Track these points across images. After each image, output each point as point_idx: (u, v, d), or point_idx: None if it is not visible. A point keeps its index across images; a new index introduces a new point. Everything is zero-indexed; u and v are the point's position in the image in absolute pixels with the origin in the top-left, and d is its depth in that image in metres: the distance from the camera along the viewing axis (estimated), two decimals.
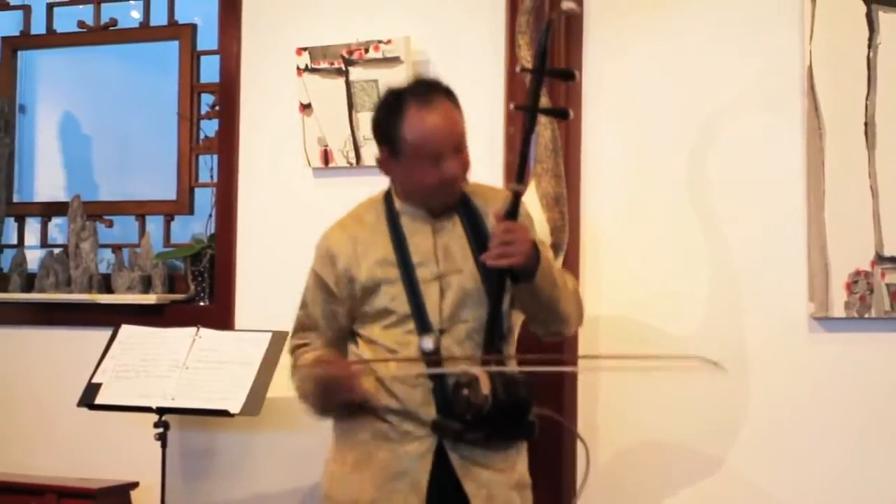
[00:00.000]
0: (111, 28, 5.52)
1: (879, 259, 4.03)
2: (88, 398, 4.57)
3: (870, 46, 4.08)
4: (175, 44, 5.37)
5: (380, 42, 4.60)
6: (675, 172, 4.32)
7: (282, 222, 4.84)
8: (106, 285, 5.24)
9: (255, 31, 5.02)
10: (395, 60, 4.51)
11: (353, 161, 4.68)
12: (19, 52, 5.74)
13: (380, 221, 3.21)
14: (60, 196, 5.63)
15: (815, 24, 4.12)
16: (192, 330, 4.64)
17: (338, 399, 3.12)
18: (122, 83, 5.77)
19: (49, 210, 5.60)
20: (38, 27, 5.67)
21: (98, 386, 4.58)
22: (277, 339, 4.38)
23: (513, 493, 3.16)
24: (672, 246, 4.31)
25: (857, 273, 4.05)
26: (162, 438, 4.47)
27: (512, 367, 3.14)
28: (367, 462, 3.13)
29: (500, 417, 3.01)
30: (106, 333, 4.77)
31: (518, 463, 3.20)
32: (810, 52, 4.12)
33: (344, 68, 4.68)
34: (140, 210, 5.42)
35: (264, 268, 4.86)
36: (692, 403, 4.24)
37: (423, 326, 3.09)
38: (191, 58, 5.32)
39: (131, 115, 5.72)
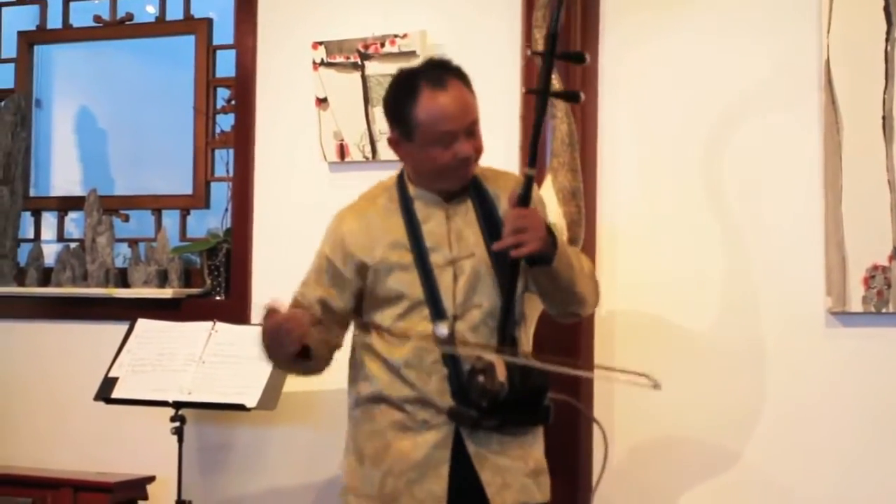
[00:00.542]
0: (127, 22, 5.53)
1: None
2: (105, 392, 4.58)
3: (887, 41, 4.06)
4: (191, 38, 5.38)
5: (396, 36, 4.60)
6: (692, 167, 4.32)
7: (298, 216, 4.84)
8: (122, 279, 5.25)
9: (270, 25, 5.02)
10: (411, 55, 4.50)
11: (370, 155, 4.69)
12: (36, 47, 5.75)
13: (393, 205, 3.19)
14: (77, 190, 5.64)
15: (833, 19, 4.11)
16: (208, 324, 4.66)
17: (282, 347, 3.03)
18: (138, 77, 5.77)
19: (65, 204, 5.62)
20: (54, 22, 5.67)
21: (114, 380, 4.59)
22: None
23: (528, 480, 3.15)
24: (688, 240, 4.30)
25: (875, 268, 4.04)
26: (178, 432, 4.48)
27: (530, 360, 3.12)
28: (386, 453, 3.12)
29: (516, 404, 3.00)
30: (122, 328, 4.79)
31: (534, 450, 3.19)
32: (828, 46, 4.11)
33: (360, 62, 4.68)
34: (156, 204, 5.43)
35: (280, 262, 4.86)
36: (708, 397, 4.23)
37: (438, 312, 3.07)
38: (207, 52, 5.33)
39: (147, 110, 5.72)
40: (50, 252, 5.51)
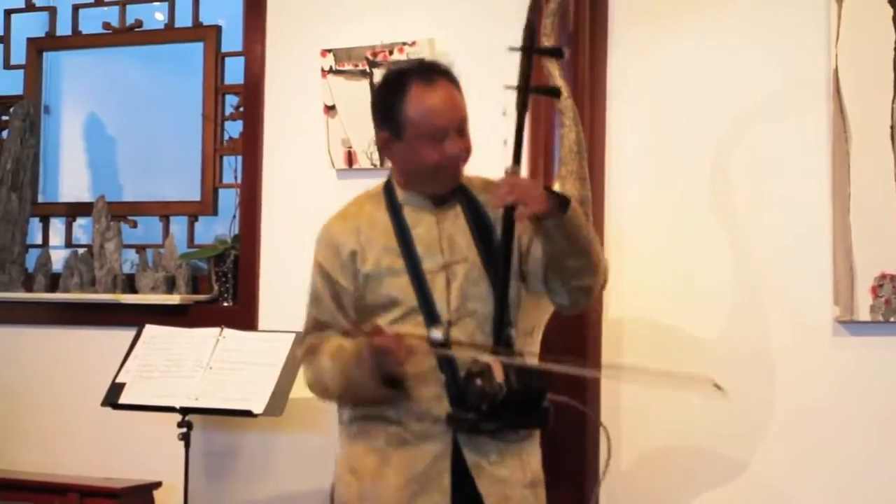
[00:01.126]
0: (136, 29, 5.55)
1: None
2: (112, 398, 4.59)
3: None
4: (199, 45, 5.39)
5: (404, 44, 4.61)
6: (700, 176, 4.32)
7: (305, 223, 4.76)
8: (130, 285, 5.26)
9: (279, 32, 5.03)
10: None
11: (377, 162, 4.69)
12: (45, 53, 5.77)
13: (381, 212, 3.15)
14: (85, 196, 5.65)
15: (841, 28, 4.11)
16: (215, 330, 4.66)
17: (386, 371, 2.96)
18: (147, 84, 5.78)
19: (74, 210, 5.63)
20: (63, 28, 5.69)
21: (122, 386, 4.60)
22: (301, 339, 4.38)
23: (527, 491, 3.11)
24: (696, 249, 4.30)
25: (883, 276, 4.03)
26: (185, 438, 4.49)
27: (527, 360, 3.09)
28: (385, 468, 3.07)
29: (515, 405, 2.95)
30: (130, 333, 4.80)
31: (532, 459, 3.15)
32: (836, 55, 4.11)
33: (368, 70, 4.69)
34: (164, 211, 5.44)
35: (288, 269, 4.86)
36: (715, 405, 4.19)
37: (432, 318, 3.03)
38: (215, 59, 5.34)
39: (156, 117, 5.73)
40: (58, 258, 5.53)
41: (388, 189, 3.19)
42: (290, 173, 4.98)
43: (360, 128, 4.70)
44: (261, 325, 4.92)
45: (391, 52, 4.63)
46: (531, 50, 3.08)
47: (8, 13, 5.79)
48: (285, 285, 4.89)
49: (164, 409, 4.52)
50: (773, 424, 4.18)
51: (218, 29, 5.38)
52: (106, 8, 5.62)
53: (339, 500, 3.19)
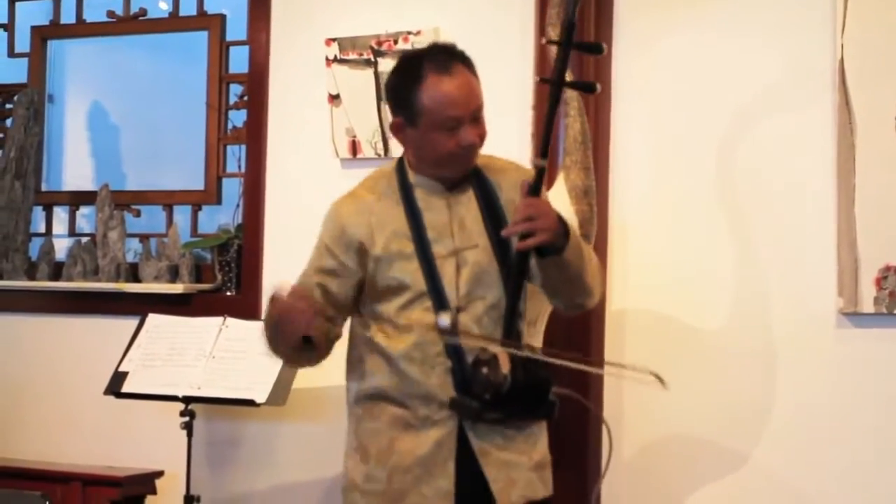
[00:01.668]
0: (140, 18, 5.53)
1: None
2: (115, 386, 4.59)
3: None
4: (204, 34, 5.38)
5: (409, 33, 4.60)
6: (704, 166, 4.31)
7: (309, 213, 4.77)
8: (133, 275, 5.25)
9: (284, 21, 5.02)
10: None
11: (382, 152, 4.68)
12: (49, 42, 5.76)
13: (392, 194, 3.14)
14: (88, 185, 5.65)
15: (847, 19, 4.10)
16: (218, 319, 4.66)
17: (287, 335, 3.02)
18: (151, 73, 5.77)
19: (77, 199, 5.62)
20: (67, 17, 5.68)
21: (124, 374, 4.60)
22: None
23: (533, 475, 3.12)
24: (700, 239, 4.30)
25: (887, 268, 4.03)
26: (188, 427, 4.49)
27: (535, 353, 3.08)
28: (390, 450, 3.09)
29: (520, 397, 2.95)
30: (133, 322, 4.80)
31: (539, 443, 3.16)
32: (842, 46, 4.10)
33: (373, 59, 4.68)
34: (168, 200, 5.44)
35: (291, 258, 4.79)
36: (718, 396, 4.23)
37: (441, 303, 3.02)
38: (220, 48, 5.33)
39: (160, 105, 5.73)
40: (61, 247, 5.51)
41: (400, 170, 3.18)
42: (294, 163, 4.97)
43: (365, 117, 4.70)
44: (264, 315, 4.91)
45: (396, 42, 4.62)
46: (569, 45, 3.04)
47: (12, 1, 5.77)
48: (289, 275, 4.85)
49: (166, 398, 4.51)
50: (775, 416, 4.17)
51: (222, 18, 5.37)
52: None
53: (346, 480, 3.22)
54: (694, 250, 4.31)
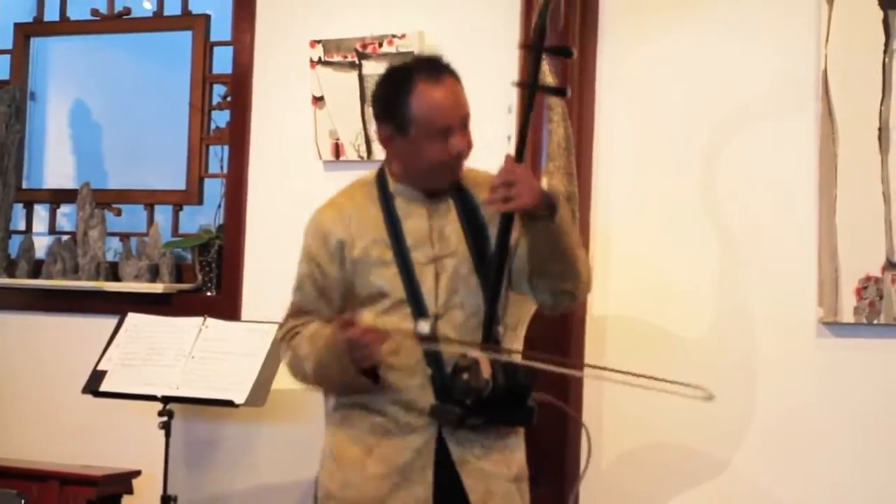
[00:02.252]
0: (124, 17, 5.52)
1: (890, 265, 4.02)
2: (93, 385, 4.58)
3: (885, 52, 4.07)
4: (188, 34, 5.37)
5: (394, 36, 4.60)
6: (687, 174, 4.32)
7: (291, 214, 4.76)
8: (113, 273, 5.24)
9: (268, 22, 5.01)
10: (408, 55, 4.48)
11: (364, 155, 4.68)
12: (32, 39, 5.75)
13: (373, 202, 3.15)
14: (69, 183, 5.63)
15: (831, 29, 4.11)
16: (198, 320, 4.65)
17: (357, 363, 2.96)
18: (134, 72, 5.76)
19: (58, 197, 5.61)
20: (51, 14, 5.67)
21: (103, 373, 4.59)
22: (282, 324, 4.37)
23: (511, 485, 3.12)
24: (682, 247, 4.30)
25: (868, 279, 4.04)
26: (166, 427, 4.48)
27: (515, 357, 3.08)
28: (368, 457, 3.08)
29: (500, 402, 2.95)
30: (112, 321, 4.78)
31: (517, 455, 3.16)
32: (825, 56, 4.11)
33: (357, 62, 4.68)
34: (149, 199, 5.43)
35: (272, 259, 4.85)
36: (699, 404, 4.21)
37: (420, 311, 3.03)
38: (204, 48, 5.32)
39: (142, 105, 5.71)
40: (41, 244, 5.50)
41: (380, 179, 3.19)
42: (277, 164, 4.96)
43: (348, 120, 4.70)
44: (244, 316, 4.91)
45: (381, 44, 4.62)
46: (540, 48, 3.05)
47: None
48: (269, 276, 4.88)
49: (145, 397, 4.50)
50: (755, 425, 4.18)
51: (207, 18, 5.36)
52: None
53: (322, 488, 3.20)
54: (676, 257, 4.31)
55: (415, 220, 3.12)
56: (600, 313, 4.36)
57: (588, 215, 4.34)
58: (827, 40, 4.11)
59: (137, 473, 4.85)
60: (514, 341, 3.30)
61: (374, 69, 4.60)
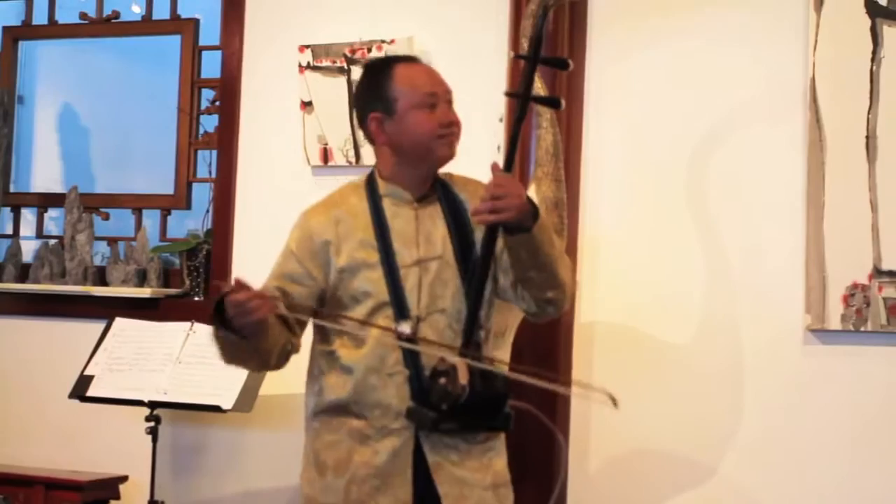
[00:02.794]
0: (113, 21, 5.52)
1: (877, 272, 4.03)
2: (80, 390, 4.57)
3: (873, 60, 4.08)
4: (177, 38, 5.37)
5: (383, 42, 4.60)
6: (676, 180, 4.32)
7: (279, 219, 4.74)
8: (101, 278, 5.23)
9: (257, 27, 5.01)
10: None
11: (353, 160, 4.68)
12: (20, 42, 5.73)
13: (362, 203, 3.16)
14: (57, 188, 5.62)
15: (819, 37, 4.12)
16: (186, 325, 4.64)
17: (240, 322, 2.94)
18: (123, 76, 5.76)
19: (46, 201, 5.60)
20: (39, 18, 5.66)
21: (90, 378, 4.58)
22: None
23: (487, 493, 3.10)
24: (670, 254, 4.31)
25: (855, 286, 4.05)
26: (153, 432, 4.47)
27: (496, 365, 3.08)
28: (348, 461, 3.08)
29: (476, 409, 2.95)
30: (100, 326, 4.77)
31: (495, 462, 3.15)
32: (814, 63, 4.12)
33: (346, 67, 4.68)
34: (137, 204, 5.42)
35: (260, 264, 4.76)
36: (686, 412, 4.23)
37: (401, 312, 3.04)
38: (192, 53, 5.32)
39: (131, 109, 5.71)
40: (29, 248, 5.49)
41: (370, 181, 3.20)
42: (265, 169, 4.96)
43: (337, 125, 4.70)
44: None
45: (370, 50, 4.62)
46: (535, 60, 3.05)
47: None
48: (257, 281, 4.84)
49: (132, 402, 4.49)
50: (743, 431, 4.18)
51: (195, 22, 5.35)
52: None
53: (303, 495, 3.20)
54: (664, 264, 4.31)
55: (402, 222, 3.12)
56: (588, 320, 4.36)
57: (576, 223, 4.34)
58: (815, 48, 4.12)
59: (124, 479, 4.84)
60: (501, 348, 3.30)
61: None
